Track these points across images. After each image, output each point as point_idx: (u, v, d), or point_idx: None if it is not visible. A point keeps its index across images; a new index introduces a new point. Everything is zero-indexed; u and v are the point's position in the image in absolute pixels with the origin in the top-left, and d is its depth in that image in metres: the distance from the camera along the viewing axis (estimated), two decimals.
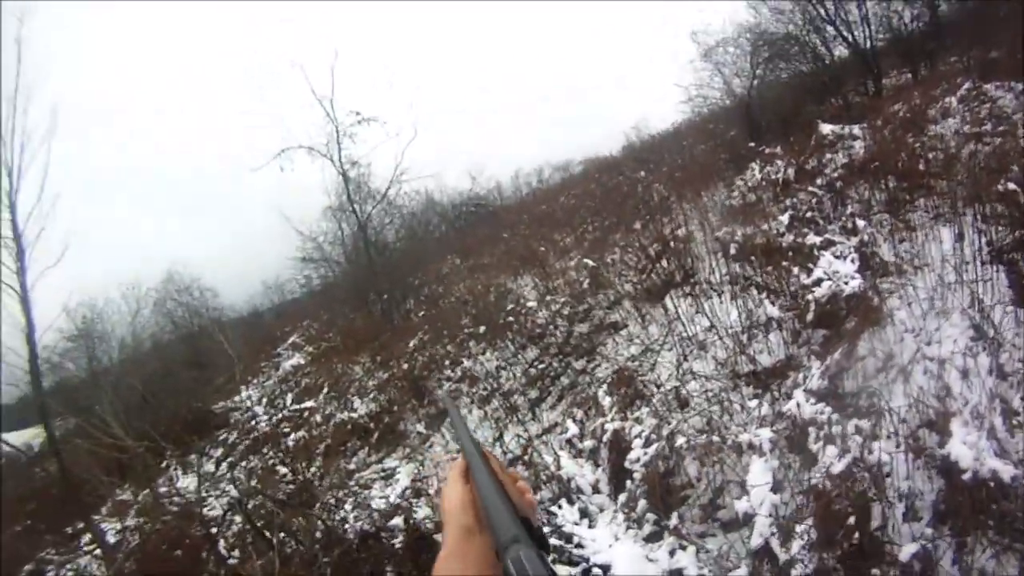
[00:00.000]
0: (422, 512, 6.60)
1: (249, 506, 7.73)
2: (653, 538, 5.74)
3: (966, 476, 4.12)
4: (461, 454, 1.27)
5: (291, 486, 9.86)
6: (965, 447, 4.22)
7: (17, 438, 14.24)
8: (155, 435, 10.46)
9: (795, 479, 5.06)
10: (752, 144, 14.46)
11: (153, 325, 28.98)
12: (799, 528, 4.60)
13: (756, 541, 4.73)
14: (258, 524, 7.51)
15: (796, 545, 4.48)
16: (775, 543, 4.62)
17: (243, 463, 14.03)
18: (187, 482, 15.22)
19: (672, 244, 11.27)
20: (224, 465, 15.39)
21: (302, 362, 22.81)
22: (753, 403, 6.45)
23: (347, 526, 7.02)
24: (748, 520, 5.00)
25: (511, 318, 12.63)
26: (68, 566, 12.41)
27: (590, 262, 12.84)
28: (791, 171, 11.76)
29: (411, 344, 15.81)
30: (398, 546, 6.39)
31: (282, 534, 7.37)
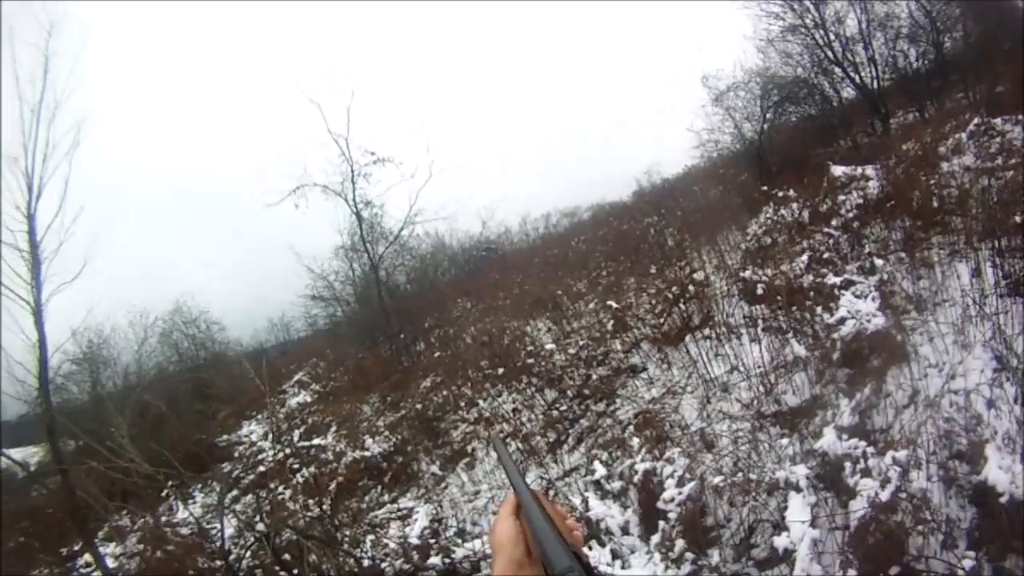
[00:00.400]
0: (460, 552, 6.56)
1: (276, 540, 7.56)
2: None
3: (1003, 499, 4.20)
4: (512, 491, 1.33)
5: (316, 522, 9.65)
6: (1001, 471, 4.31)
7: (15, 455, 14.20)
8: (171, 459, 10.40)
9: (830, 514, 5.09)
10: (764, 187, 14.52)
11: (159, 355, 29.21)
12: (838, 562, 4.63)
13: None
14: (284, 559, 7.47)
15: None
16: None
17: (248, 497, 14.09)
18: (186, 513, 15.26)
19: (690, 287, 11.33)
20: (227, 498, 15.44)
21: (308, 399, 22.80)
22: (783, 442, 6.48)
23: (384, 565, 7.01)
24: (787, 556, 5.03)
25: (530, 360, 12.59)
26: None
27: (614, 304, 12.90)
28: (805, 213, 11.82)
29: (424, 385, 15.85)
30: None
31: (309, 571, 7.37)
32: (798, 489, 5.25)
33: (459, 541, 7.40)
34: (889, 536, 4.47)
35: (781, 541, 5.06)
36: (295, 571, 7.35)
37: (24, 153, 8.75)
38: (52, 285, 8.92)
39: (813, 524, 4.96)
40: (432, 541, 8.03)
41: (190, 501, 15.71)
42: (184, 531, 12.47)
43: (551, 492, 9.15)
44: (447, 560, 6.34)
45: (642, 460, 7.53)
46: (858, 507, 4.70)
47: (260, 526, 8.04)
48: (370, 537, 8.53)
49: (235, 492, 14.49)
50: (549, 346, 12.89)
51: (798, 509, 5.08)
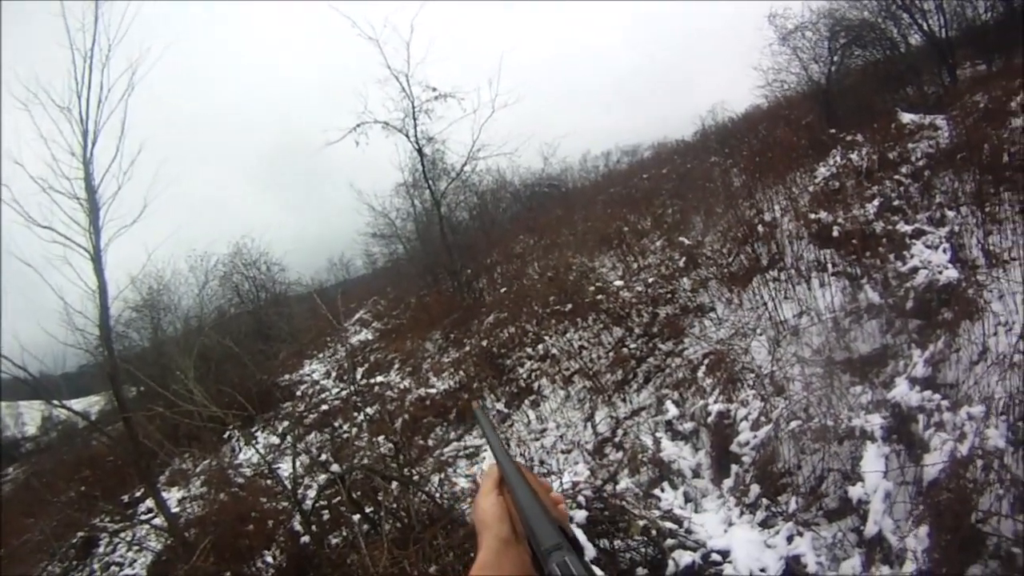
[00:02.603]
0: None
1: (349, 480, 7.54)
2: (765, 524, 5.81)
3: None
4: (495, 465, 1.30)
5: (385, 460, 9.70)
6: None
7: (75, 406, 14.45)
8: (241, 399, 10.46)
9: (901, 467, 5.18)
10: (832, 130, 14.41)
11: (220, 297, 29.30)
12: (912, 517, 4.75)
13: (871, 529, 4.81)
14: (356, 498, 7.53)
15: (910, 535, 4.59)
16: (889, 531, 4.74)
17: (311, 436, 14.25)
18: (248, 455, 15.54)
19: (759, 228, 11.31)
20: (289, 437, 15.73)
21: (370, 338, 23.04)
22: (856, 390, 6.50)
23: (460, 505, 6.96)
24: (858, 508, 5.11)
25: (600, 296, 12.59)
26: (123, 535, 12.59)
27: (685, 240, 12.95)
28: (874, 158, 11.78)
29: (488, 321, 16.01)
30: None
31: (382, 511, 7.55)
32: (873, 439, 5.31)
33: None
34: (961, 493, 4.51)
35: (856, 491, 5.10)
36: (367, 511, 7.47)
37: (77, 100, 8.72)
38: (111, 231, 8.92)
39: (885, 476, 5.02)
40: None
41: (252, 442, 16.07)
42: (247, 472, 12.79)
43: (618, 432, 9.40)
44: None
45: (715, 401, 7.61)
46: (933, 461, 4.75)
47: (335, 467, 7.93)
48: (438, 476, 8.69)
49: (298, 431, 14.60)
50: (617, 283, 12.90)
51: (872, 460, 5.12)
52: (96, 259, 8.64)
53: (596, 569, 5.24)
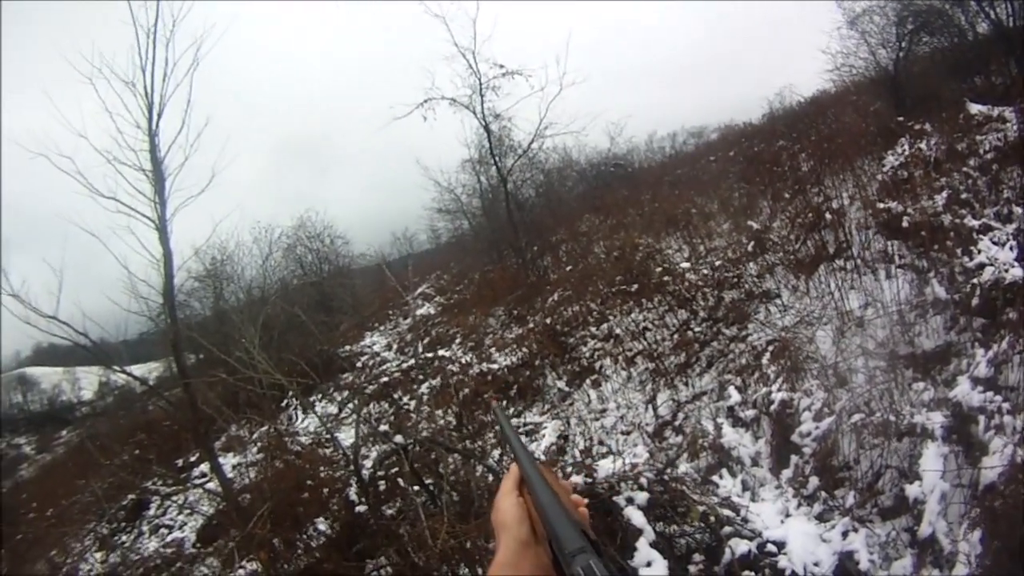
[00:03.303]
0: (603, 472, 6.37)
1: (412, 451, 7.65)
2: (822, 517, 5.88)
3: None
4: (515, 465, 1.30)
5: (447, 432, 9.77)
6: None
7: (135, 372, 14.75)
8: (305, 367, 10.64)
9: (959, 469, 5.19)
10: (900, 118, 14.33)
11: (283, 269, 29.77)
12: (966, 521, 4.77)
13: (925, 530, 4.83)
14: (417, 469, 7.63)
15: (963, 540, 4.62)
16: (942, 534, 4.76)
17: (368, 406, 14.26)
18: (305, 423, 15.82)
19: (827, 215, 11.26)
20: (351, 406, 15.93)
21: (432, 312, 23.28)
22: (919, 386, 6.49)
23: None
24: (913, 507, 5.14)
25: (667, 277, 12.61)
26: (174, 498, 12.98)
27: (755, 225, 12.96)
28: (942, 149, 11.68)
29: (552, 299, 16.10)
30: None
31: (444, 482, 7.62)
32: (933, 438, 5.33)
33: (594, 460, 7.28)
34: (1017, 500, 4.48)
35: (913, 490, 5.12)
36: (427, 483, 7.61)
37: (142, 75, 8.95)
38: (176, 202, 9.19)
39: (942, 476, 5.02)
40: (558, 458, 8.26)
41: (310, 411, 16.36)
42: (305, 440, 13.03)
43: (678, 415, 9.53)
44: (588, 480, 6.19)
45: (779, 390, 7.65)
46: (991, 464, 4.75)
47: (398, 438, 8.04)
48: (497, 451, 8.90)
49: (356, 402, 14.51)
50: (684, 264, 12.95)
51: (931, 459, 5.14)
52: (162, 229, 8.93)
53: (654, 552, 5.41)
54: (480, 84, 20.15)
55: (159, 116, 9.08)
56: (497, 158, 21.75)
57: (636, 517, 5.58)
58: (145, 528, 13.67)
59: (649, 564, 5.22)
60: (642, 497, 5.83)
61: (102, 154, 8.65)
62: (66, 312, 8.03)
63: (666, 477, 6.34)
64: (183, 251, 9.96)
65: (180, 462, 16.72)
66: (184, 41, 9.20)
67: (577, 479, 6.24)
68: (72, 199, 8.79)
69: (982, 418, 5.26)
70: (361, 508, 8.54)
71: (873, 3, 17.55)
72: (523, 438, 1.36)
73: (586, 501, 1.28)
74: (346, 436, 10.92)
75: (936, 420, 5.48)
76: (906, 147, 12.80)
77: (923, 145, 12.29)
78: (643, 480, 6.10)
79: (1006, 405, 5.28)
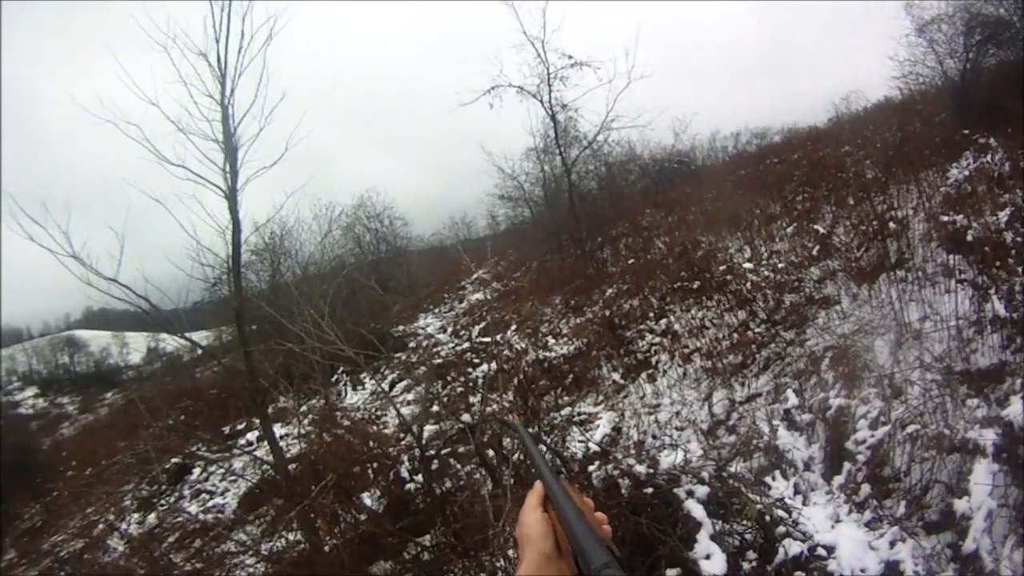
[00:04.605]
0: (665, 463, 6.48)
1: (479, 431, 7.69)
2: (871, 525, 5.95)
3: None
4: (540, 481, 1.34)
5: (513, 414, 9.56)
6: None
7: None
8: (374, 340, 10.79)
9: (1006, 487, 5.23)
10: (965, 131, 14.28)
11: (340, 247, 30.10)
12: (1010, 540, 4.87)
13: (969, 546, 4.93)
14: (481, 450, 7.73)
15: (1006, 558, 4.74)
16: (985, 551, 4.85)
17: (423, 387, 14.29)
18: (355, 398, 16.07)
19: (891, 224, 11.28)
20: (399, 387, 16.23)
21: (488, 297, 23.50)
22: (972, 402, 6.54)
23: (591, 468, 6.96)
24: (959, 523, 5.23)
25: (729, 276, 12.71)
26: (219, 464, 13.36)
27: (820, 229, 13.02)
28: (1007, 165, 11.65)
29: (611, 292, 16.25)
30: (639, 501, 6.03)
31: (502, 463, 7.82)
32: (984, 455, 5.40)
33: (656, 451, 7.39)
34: None
35: (960, 505, 5.20)
36: (490, 463, 7.77)
37: (216, 46, 8.91)
38: (247, 172, 9.28)
39: (991, 494, 5.09)
40: (613, 449, 8.37)
41: (360, 387, 16.63)
42: (357, 416, 13.26)
43: (732, 415, 9.66)
44: (651, 470, 6.30)
45: (836, 395, 7.74)
46: None
47: (465, 416, 8.11)
48: (554, 437, 8.84)
49: (422, 377, 14.69)
50: (746, 264, 12.99)
51: (981, 475, 5.20)
52: (232, 198, 9.06)
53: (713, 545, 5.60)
54: (548, 73, 20.45)
55: (233, 88, 9.20)
56: (562, 148, 21.99)
57: (696, 510, 5.72)
58: (186, 492, 14.08)
59: (708, 557, 5.39)
60: (702, 491, 5.99)
61: (173, 123, 8.80)
62: (126, 277, 8.20)
63: (724, 474, 6.49)
64: (246, 223, 10.17)
65: (227, 430, 17.09)
66: (261, 15, 9.43)
67: (640, 468, 6.37)
68: (138, 166, 8.98)
69: None
70: (412, 485, 8.81)
71: (942, 12, 17.50)
72: (548, 464, 1.42)
73: (606, 518, 1.32)
74: (402, 413, 11.10)
75: (988, 437, 5.54)
76: (971, 160, 12.81)
77: (988, 159, 12.28)
78: (703, 474, 6.27)
79: None
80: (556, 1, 19.80)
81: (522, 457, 7.93)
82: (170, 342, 24.82)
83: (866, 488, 6.32)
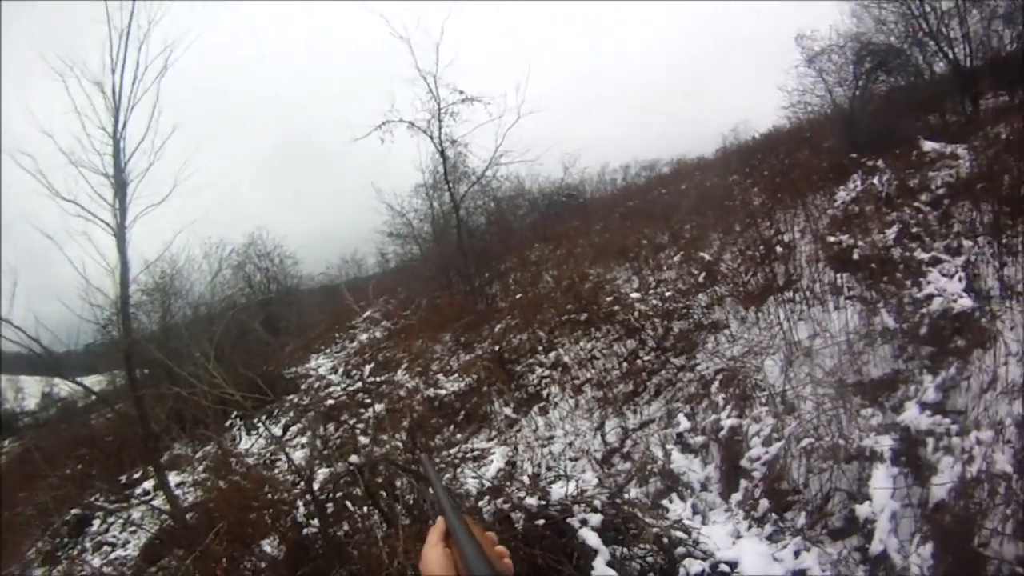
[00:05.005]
0: (556, 494, 6.32)
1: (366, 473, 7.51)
2: (773, 538, 5.95)
3: None
4: (441, 517, 1.35)
5: (400, 455, 9.67)
6: None
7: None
8: (261, 384, 10.44)
9: (908, 488, 5.28)
10: (853, 155, 14.52)
11: (231, 287, 29.54)
12: (917, 537, 4.84)
13: (876, 548, 4.93)
14: (371, 489, 7.51)
15: (914, 555, 4.71)
16: (893, 550, 4.84)
17: (310, 430, 14.00)
18: (249, 443, 15.60)
19: (777, 248, 11.41)
20: (305, 423, 15.73)
21: (379, 336, 23.14)
22: (867, 412, 6.59)
23: (481, 504, 6.74)
24: (864, 527, 5.24)
25: (616, 307, 12.68)
26: (118, 515, 12.71)
27: (706, 256, 13.08)
28: (894, 185, 11.85)
29: (500, 327, 16.08)
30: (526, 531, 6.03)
31: (398, 505, 7.50)
32: (881, 460, 5.43)
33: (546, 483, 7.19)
34: (966, 515, 4.63)
35: (863, 510, 5.23)
36: (382, 505, 7.49)
37: (111, 76, 8.64)
38: (136, 209, 8.87)
39: (892, 496, 5.14)
40: (507, 484, 8.23)
41: (253, 432, 16.14)
42: (251, 461, 12.84)
43: (627, 442, 9.50)
44: (543, 502, 6.18)
45: (728, 416, 7.77)
46: (941, 482, 4.86)
47: (353, 457, 7.93)
48: (447, 475, 8.68)
49: (309, 421, 14.55)
50: (634, 295, 12.97)
51: (881, 480, 5.24)
52: (120, 236, 8.65)
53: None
54: (439, 109, 20.24)
55: (125, 120, 8.86)
56: (451, 184, 21.80)
57: (591, 538, 5.61)
58: (88, 544, 13.40)
59: None
60: (596, 519, 5.85)
61: (66, 155, 8.45)
62: (17, 316, 7.74)
63: (618, 500, 6.38)
64: (135, 261, 9.70)
65: (124, 478, 16.39)
66: (157, 46, 9.06)
67: (531, 501, 6.24)
68: (30, 200, 8.60)
69: (931, 440, 5.35)
70: (309, 529, 8.44)
71: (832, 43, 17.92)
72: (450, 499, 1.28)
73: (507, 552, 1.34)
74: (293, 457, 10.80)
75: (885, 443, 5.58)
76: (858, 183, 12.96)
77: (875, 181, 12.46)
78: (596, 503, 6.12)
79: (954, 427, 5.38)
80: (451, 35, 19.72)
81: (416, 497, 7.61)
82: (63, 387, 23.78)
83: (765, 503, 6.34)
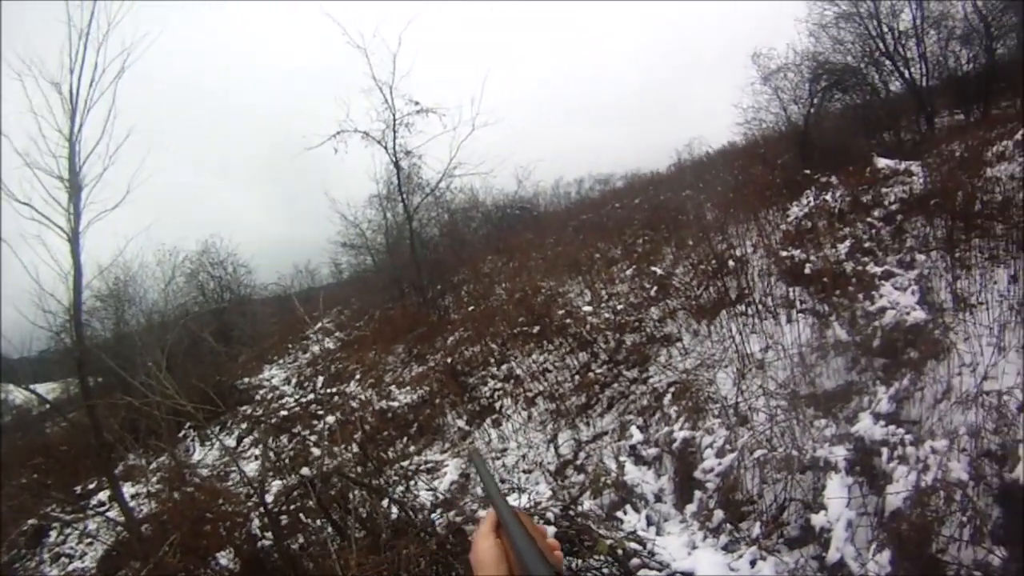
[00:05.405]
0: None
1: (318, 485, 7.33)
2: (728, 548, 5.94)
3: None
4: (491, 508, 1.31)
5: (353, 467, 9.62)
6: None
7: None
8: (213, 395, 10.29)
9: (864, 497, 5.31)
10: (807, 171, 14.62)
11: (184, 295, 29.27)
12: (874, 545, 4.84)
13: (833, 556, 4.94)
14: (323, 502, 7.41)
15: (871, 562, 4.71)
16: (851, 558, 4.86)
17: (265, 441, 13.97)
18: (203, 454, 15.42)
19: (729, 262, 11.43)
20: (256, 436, 15.58)
21: (331, 347, 22.98)
22: (820, 423, 6.62)
23: (434, 516, 6.98)
24: (820, 536, 5.24)
25: (569, 320, 12.71)
26: (75, 526, 12.45)
27: (658, 270, 13.08)
28: (847, 201, 11.97)
29: (453, 339, 16.06)
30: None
31: (350, 518, 7.49)
32: (836, 470, 5.44)
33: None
34: (923, 523, 4.64)
35: (818, 519, 5.23)
36: (334, 517, 7.40)
37: (69, 76, 8.49)
38: (90, 214, 8.72)
39: (848, 505, 5.16)
40: (460, 497, 8.17)
41: (215, 441, 15.94)
42: (204, 472, 12.68)
43: (580, 455, 9.44)
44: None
45: (681, 428, 7.71)
46: (897, 491, 4.87)
47: (304, 470, 7.93)
48: (402, 486, 8.71)
49: (260, 433, 14.53)
50: (586, 308, 12.98)
51: (835, 489, 5.26)
52: (73, 241, 8.46)
53: None
54: (394, 119, 20.16)
55: (81, 123, 8.71)
56: (405, 195, 21.75)
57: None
58: (46, 556, 13.16)
59: None
60: (549, 530, 5.73)
61: (21, 156, 8.31)
62: None
63: (571, 512, 6.37)
64: (90, 267, 9.49)
65: (79, 489, 16.11)
66: (115, 48, 8.92)
67: (482, 514, 6.12)
68: None
69: (885, 450, 5.36)
70: (264, 542, 8.35)
71: (788, 61, 18.09)
72: (500, 491, 1.23)
73: (559, 545, 1.29)
74: (246, 468, 10.63)
75: (839, 453, 5.59)
76: (811, 198, 13.08)
77: (828, 197, 12.60)
78: (550, 515, 6.13)
79: (908, 437, 5.41)
80: (409, 46, 19.69)
81: (368, 510, 7.49)
82: (17, 394, 23.32)
83: (719, 513, 6.32)
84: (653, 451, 8.02)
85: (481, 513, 6.17)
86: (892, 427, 5.62)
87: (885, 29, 16.88)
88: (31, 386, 10.24)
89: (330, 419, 12.27)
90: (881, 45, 16.94)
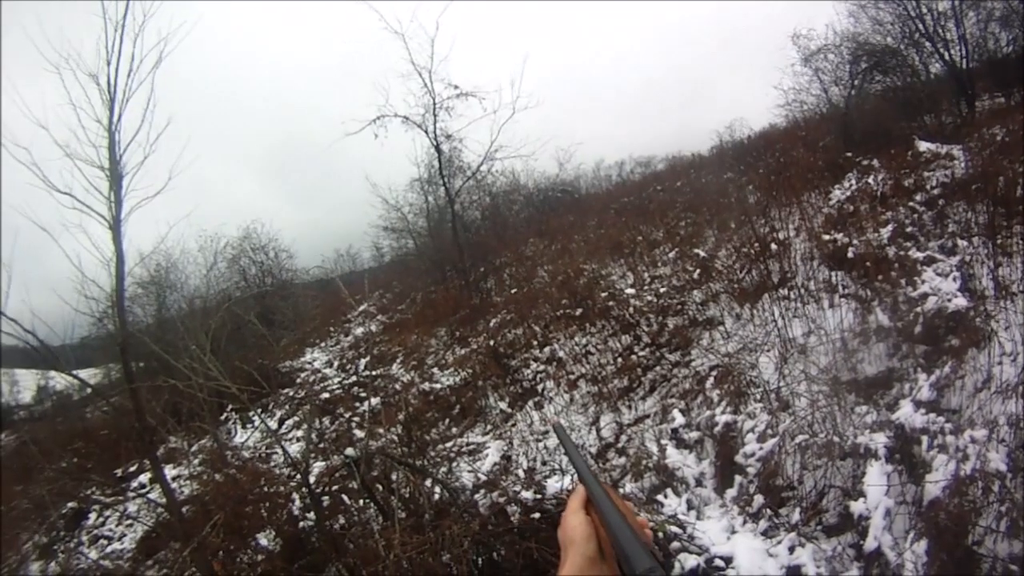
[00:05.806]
0: (551, 488, 6.45)
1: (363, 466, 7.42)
2: (767, 533, 5.94)
3: None
4: (580, 484, 1.32)
5: (397, 448, 9.48)
6: None
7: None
8: (257, 376, 10.37)
9: (902, 486, 5.32)
10: (848, 154, 14.56)
11: (226, 280, 29.68)
12: (911, 534, 4.87)
13: (870, 544, 4.94)
14: (367, 482, 7.49)
15: (908, 552, 4.71)
16: (887, 547, 4.86)
17: (318, 420, 13.90)
18: (245, 437, 15.60)
19: (772, 246, 11.38)
20: (288, 423, 15.77)
21: (374, 330, 23.09)
22: (861, 409, 6.61)
23: (477, 497, 6.92)
24: (858, 524, 5.24)
25: (611, 302, 12.69)
26: (115, 508, 12.69)
27: (702, 252, 13.08)
28: (889, 184, 11.91)
29: (495, 321, 16.12)
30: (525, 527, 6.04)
31: (395, 499, 7.60)
32: (876, 457, 5.43)
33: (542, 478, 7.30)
34: (961, 513, 4.63)
35: (857, 507, 5.22)
36: (377, 498, 7.50)
37: (107, 68, 8.51)
38: (131, 201, 8.74)
39: (887, 493, 5.15)
40: (502, 478, 8.23)
41: (248, 425, 16.14)
42: (246, 454, 12.83)
43: (622, 438, 9.49)
44: (538, 495, 6.26)
45: (723, 412, 7.75)
46: (935, 480, 4.87)
47: (349, 451, 8.01)
48: (442, 469, 8.70)
49: (305, 414, 14.59)
50: (629, 291, 12.98)
51: (875, 477, 5.25)
52: (115, 228, 8.53)
53: None
54: (434, 104, 20.17)
55: (120, 113, 8.71)
56: (446, 179, 21.78)
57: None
58: (84, 538, 13.37)
59: None
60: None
61: (61, 147, 8.34)
62: (12, 309, 7.68)
63: None
64: (131, 254, 9.62)
65: (119, 472, 16.34)
66: (152, 38, 9.01)
67: (527, 494, 6.29)
68: (25, 192, 8.51)
69: (925, 438, 5.36)
70: (306, 523, 8.48)
71: (828, 42, 17.92)
72: (589, 468, 1.26)
73: (650, 523, 1.41)
74: (290, 450, 10.76)
75: (879, 441, 5.57)
76: (853, 182, 13.02)
77: (870, 180, 12.51)
78: None
79: (948, 426, 5.41)
80: (450, 23, 19.70)
81: (412, 490, 7.57)
82: (59, 380, 23.65)
83: (759, 499, 6.32)
84: (695, 435, 8.04)
85: (525, 494, 6.25)
86: (932, 415, 5.62)
87: (924, 10, 16.66)
88: (74, 372, 10.38)
89: (373, 401, 12.28)
90: (920, 26, 16.72)
